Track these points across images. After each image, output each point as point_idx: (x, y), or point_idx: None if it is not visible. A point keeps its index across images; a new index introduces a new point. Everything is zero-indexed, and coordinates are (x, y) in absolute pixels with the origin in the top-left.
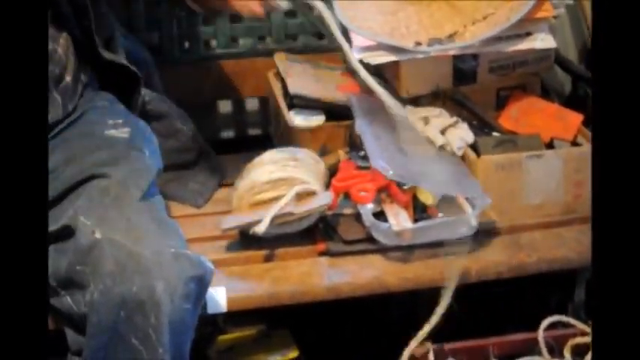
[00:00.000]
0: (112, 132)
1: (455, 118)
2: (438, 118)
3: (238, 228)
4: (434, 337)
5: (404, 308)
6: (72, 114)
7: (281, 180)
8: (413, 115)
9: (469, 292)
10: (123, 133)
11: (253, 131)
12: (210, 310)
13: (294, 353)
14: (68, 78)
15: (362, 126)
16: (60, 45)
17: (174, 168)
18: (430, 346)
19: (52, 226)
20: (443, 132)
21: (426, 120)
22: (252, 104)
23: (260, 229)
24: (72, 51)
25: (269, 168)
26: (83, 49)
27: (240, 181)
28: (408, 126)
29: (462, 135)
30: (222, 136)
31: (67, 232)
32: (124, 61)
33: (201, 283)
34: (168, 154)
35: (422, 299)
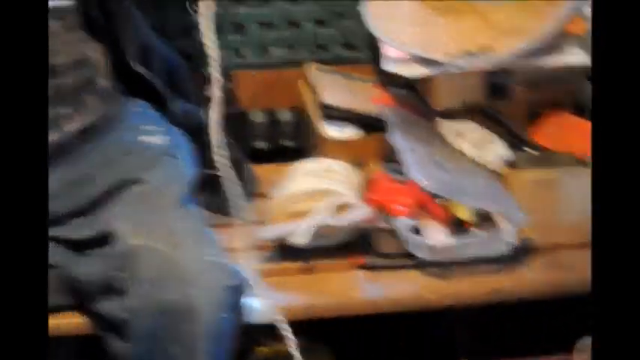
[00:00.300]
0: (147, 138)
1: (491, 134)
2: (473, 132)
3: (276, 238)
4: (469, 355)
5: (441, 324)
6: (107, 118)
7: (319, 191)
8: (447, 128)
9: (505, 310)
10: (157, 139)
11: (286, 142)
12: (250, 320)
13: None
14: (102, 82)
15: (397, 138)
16: (92, 49)
17: (207, 178)
18: None
19: (89, 232)
20: (478, 147)
21: (461, 135)
22: (284, 115)
23: (298, 240)
24: (105, 56)
25: (307, 179)
26: (115, 56)
27: (277, 192)
28: (443, 140)
29: (497, 150)
30: (254, 146)
31: (104, 239)
32: (152, 79)
33: (239, 293)
34: (203, 165)
35: (459, 315)
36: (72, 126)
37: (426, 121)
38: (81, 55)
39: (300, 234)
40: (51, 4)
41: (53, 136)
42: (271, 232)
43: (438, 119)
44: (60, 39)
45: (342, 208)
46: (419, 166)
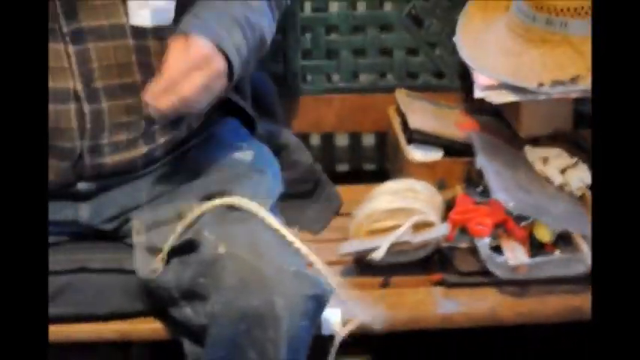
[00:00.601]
0: (237, 154)
1: (575, 159)
2: (558, 158)
3: (356, 254)
4: None
5: (513, 342)
6: (198, 134)
7: (399, 210)
8: (532, 154)
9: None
10: (247, 155)
11: (368, 166)
12: (326, 331)
13: None
14: None
15: (483, 161)
16: None
17: (292, 197)
18: None
19: (177, 241)
20: (562, 172)
21: (545, 160)
22: (368, 139)
23: (377, 255)
24: None
25: (388, 198)
26: None
27: (359, 209)
28: (528, 165)
29: (581, 176)
30: (337, 169)
31: (191, 246)
32: (244, 104)
33: (320, 302)
34: (287, 184)
35: (531, 334)
36: (164, 138)
37: (510, 147)
38: None
39: (378, 250)
40: (152, 24)
41: (144, 148)
42: (350, 247)
43: (523, 145)
44: (159, 58)
45: (421, 226)
46: (503, 187)
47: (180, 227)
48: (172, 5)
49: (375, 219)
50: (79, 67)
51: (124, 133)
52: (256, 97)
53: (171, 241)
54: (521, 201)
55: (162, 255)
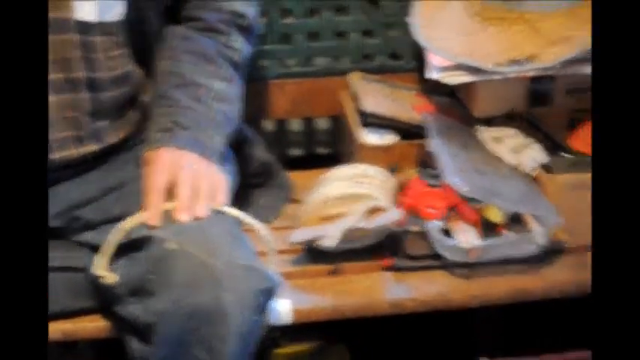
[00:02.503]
0: None
1: (529, 139)
2: (512, 138)
3: (308, 242)
4: (490, 351)
5: (460, 322)
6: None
7: (351, 195)
8: (486, 135)
9: (531, 309)
10: None
11: (322, 150)
12: (275, 321)
13: None
14: (144, 98)
15: (437, 144)
16: (136, 66)
17: (244, 187)
18: None
19: (125, 239)
20: (516, 152)
21: (498, 140)
22: (322, 123)
23: (330, 243)
24: (147, 74)
25: (340, 183)
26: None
27: (311, 196)
28: (481, 146)
29: (534, 155)
30: (291, 153)
31: (140, 243)
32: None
33: (270, 296)
34: (240, 177)
35: (480, 316)
36: (112, 138)
37: (465, 128)
38: (125, 71)
39: (329, 237)
40: (98, 19)
41: (93, 147)
42: (301, 235)
43: (477, 126)
44: (106, 54)
45: (373, 211)
46: (458, 170)
47: (128, 225)
48: (121, 1)
49: (327, 205)
50: None
51: (70, 129)
52: None
53: (117, 239)
54: (475, 184)
55: (109, 252)
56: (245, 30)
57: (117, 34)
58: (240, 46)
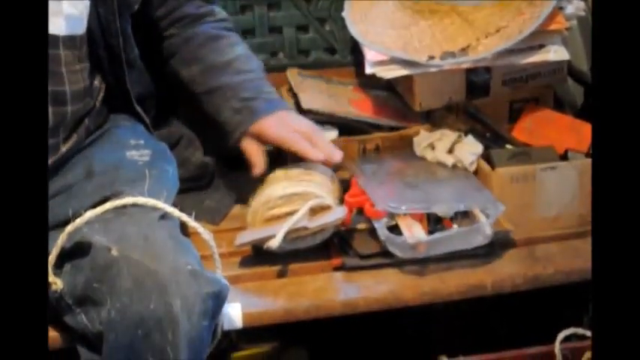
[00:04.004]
0: (133, 152)
1: (457, 134)
2: (442, 140)
3: (252, 243)
4: (449, 350)
5: (418, 322)
6: (94, 132)
7: (295, 195)
8: (418, 146)
9: (484, 304)
10: (144, 155)
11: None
12: (226, 326)
13: None
14: (98, 105)
15: (365, 183)
16: (96, 79)
17: (189, 191)
18: None
19: (68, 244)
20: (451, 151)
21: (431, 145)
22: None
23: (274, 244)
24: (103, 82)
25: (283, 183)
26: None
27: (255, 197)
28: (414, 156)
29: (470, 149)
30: (232, 153)
31: (82, 250)
32: (139, 110)
33: (218, 300)
34: (181, 181)
35: (436, 312)
36: (65, 149)
37: (398, 152)
38: (86, 85)
39: (274, 238)
40: (63, 32)
41: (51, 159)
42: (247, 237)
43: (417, 121)
44: (69, 68)
45: (318, 210)
46: (389, 196)
47: (66, 232)
48: (85, 14)
49: (270, 206)
50: None
51: None
52: (158, 92)
53: (56, 246)
54: (410, 200)
55: (50, 260)
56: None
57: (80, 48)
58: (224, 14)
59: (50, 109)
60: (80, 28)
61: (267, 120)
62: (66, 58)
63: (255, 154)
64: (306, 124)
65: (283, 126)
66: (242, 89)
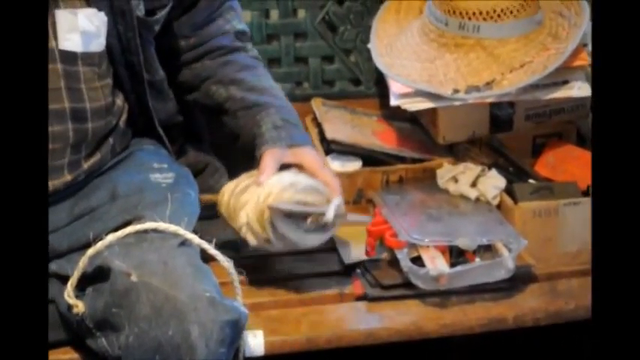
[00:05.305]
0: (157, 175)
1: (481, 167)
2: (465, 173)
3: (289, 211)
4: None
5: (439, 353)
6: (118, 154)
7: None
8: (441, 179)
9: (505, 338)
10: (167, 178)
11: None
12: (248, 353)
13: None
14: (122, 125)
15: (388, 213)
16: (119, 97)
17: (210, 218)
18: None
19: (89, 267)
20: (474, 184)
21: (454, 179)
22: None
23: (329, 215)
24: (126, 102)
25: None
26: (138, 111)
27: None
28: (438, 189)
29: (493, 183)
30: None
31: (102, 274)
32: (161, 133)
33: (236, 328)
34: (204, 209)
35: (457, 344)
36: (87, 167)
37: (420, 183)
38: (107, 103)
39: (328, 211)
40: (80, 49)
41: (67, 178)
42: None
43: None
44: (89, 85)
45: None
46: (413, 227)
47: (87, 255)
48: (103, 31)
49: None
50: None
51: (50, 160)
52: (185, 120)
53: (77, 269)
54: (434, 233)
55: (71, 284)
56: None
57: (99, 66)
58: (256, 52)
59: (70, 126)
60: (98, 45)
61: (306, 148)
62: (85, 75)
63: (271, 166)
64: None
65: (320, 159)
66: (285, 112)
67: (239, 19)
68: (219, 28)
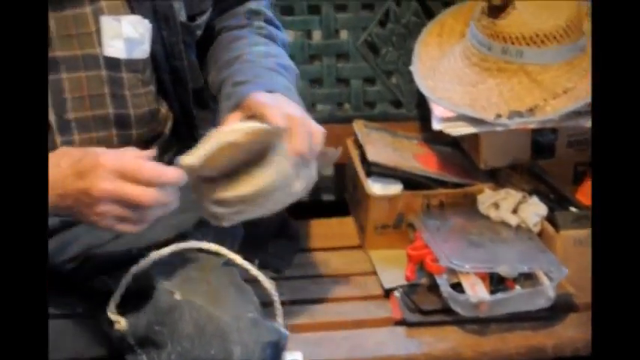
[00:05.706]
0: None
1: (522, 194)
2: (506, 199)
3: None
4: None
5: None
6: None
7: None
8: (482, 205)
9: None
10: None
11: (327, 197)
12: None
13: None
14: (167, 134)
15: (429, 238)
16: (162, 105)
17: (254, 237)
18: None
19: (133, 284)
20: (515, 211)
21: (495, 205)
22: (327, 170)
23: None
24: (170, 111)
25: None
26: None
27: None
28: (479, 215)
29: (535, 210)
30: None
31: (145, 291)
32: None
33: (277, 349)
34: (248, 226)
35: None
36: None
37: (460, 209)
38: (151, 109)
39: None
40: (123, 56)
41: None
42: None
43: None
44: (133, 91)
45: None
46: (454, 252)
47: (131, 272)
48: (148, 38)
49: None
50: (52, 98)
51: None
52: None
53: (120, 286)
54: (473, 259)
55: (114, 300)
56: (266, 22)
57: (143, 72)
58: (268, 30)
59: (114, 132)
60: (142, 52)
61: (258, 94)
62: (129, 82)
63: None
64: (300, 112)
65: (273, 101)
66: (237, 74)
67: (258, 2)
68: (232, 13)
